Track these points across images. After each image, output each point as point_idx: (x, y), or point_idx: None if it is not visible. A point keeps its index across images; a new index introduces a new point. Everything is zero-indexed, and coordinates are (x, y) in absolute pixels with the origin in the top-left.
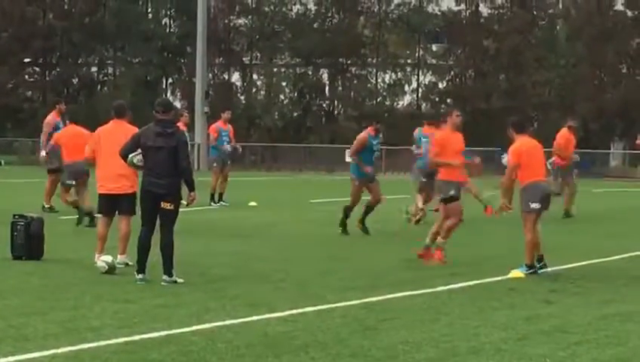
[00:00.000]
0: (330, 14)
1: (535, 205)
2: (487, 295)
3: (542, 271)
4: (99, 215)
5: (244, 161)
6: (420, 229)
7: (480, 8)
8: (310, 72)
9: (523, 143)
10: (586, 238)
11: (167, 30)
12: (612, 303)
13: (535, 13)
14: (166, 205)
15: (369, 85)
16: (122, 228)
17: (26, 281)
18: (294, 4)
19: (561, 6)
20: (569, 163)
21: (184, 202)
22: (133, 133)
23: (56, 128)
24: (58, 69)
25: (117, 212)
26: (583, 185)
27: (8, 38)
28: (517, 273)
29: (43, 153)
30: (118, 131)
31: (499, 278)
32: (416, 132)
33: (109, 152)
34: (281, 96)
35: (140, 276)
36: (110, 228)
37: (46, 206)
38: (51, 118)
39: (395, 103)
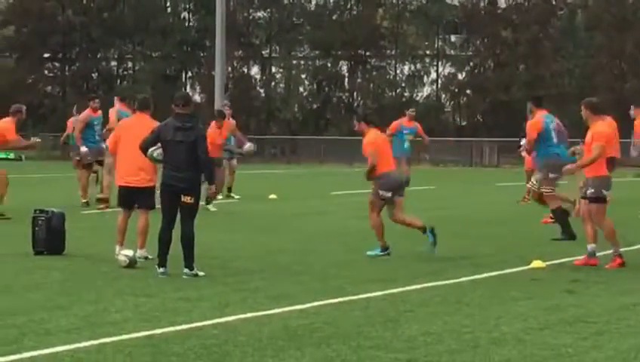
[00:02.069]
0: (348, 6)
1: (384, 193)
2: (509, 285)
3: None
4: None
5: (263, 154)
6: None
7: None
8: (329, 64)
9: (375, 135)
10: None
11: (187, 24)
12: (634, 292)
13: (554, 3)
14: (186, 199)
15: (388, 77)
16: (140, 222)
17: (47, 276)
18: None
19: None
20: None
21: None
22: (153, 127)
23: (89, 125)
24: (77, 64)
25: (136, 206)
26: None
27: (27, 33)
28: (538, 263)
29: (84, 148)
30: (140, 124)
31: (520, 269)
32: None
33: (129, 145)
34: (301, 89)
35: (161, 270)
36: (130, 221)
37: (83, 201)
38: (86, 114)
39: (415, 95)
